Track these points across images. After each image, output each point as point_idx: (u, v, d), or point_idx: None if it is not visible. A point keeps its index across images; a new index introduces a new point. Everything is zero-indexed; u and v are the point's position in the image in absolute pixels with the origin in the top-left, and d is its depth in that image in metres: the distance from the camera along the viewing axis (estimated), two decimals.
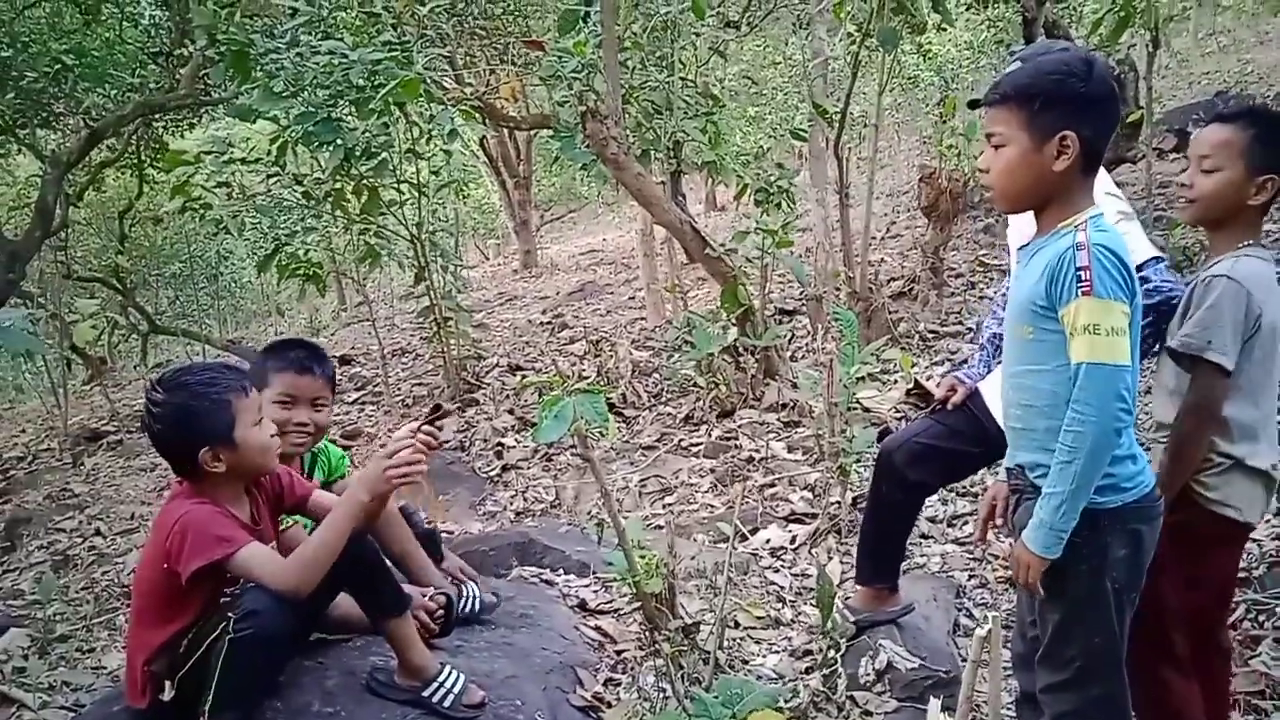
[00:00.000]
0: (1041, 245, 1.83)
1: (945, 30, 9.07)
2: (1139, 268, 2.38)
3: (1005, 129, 1.82)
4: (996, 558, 3.59)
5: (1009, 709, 2.25)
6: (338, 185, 5.80)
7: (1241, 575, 3.05)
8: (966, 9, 8.32)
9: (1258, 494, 2.11)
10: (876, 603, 2.90)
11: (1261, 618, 2.86)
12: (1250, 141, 2.06)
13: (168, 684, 2.14)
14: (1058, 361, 1.78)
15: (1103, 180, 2.24)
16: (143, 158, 9.99)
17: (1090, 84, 1.76)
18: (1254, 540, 3.15)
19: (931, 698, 2.04)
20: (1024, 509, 1.90)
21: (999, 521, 2.13)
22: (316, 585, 2.15)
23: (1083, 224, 1.77)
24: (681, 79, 6.13)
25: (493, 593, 3.00)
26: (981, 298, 6.58)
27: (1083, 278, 1.71)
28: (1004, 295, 2.85)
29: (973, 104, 2.00)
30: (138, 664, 2.20)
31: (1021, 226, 2.62)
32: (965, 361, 2.95)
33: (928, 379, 4.34)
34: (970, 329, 2.88)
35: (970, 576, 3.51)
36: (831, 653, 2.71)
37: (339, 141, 5.36)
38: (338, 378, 8.39)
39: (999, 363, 2.46)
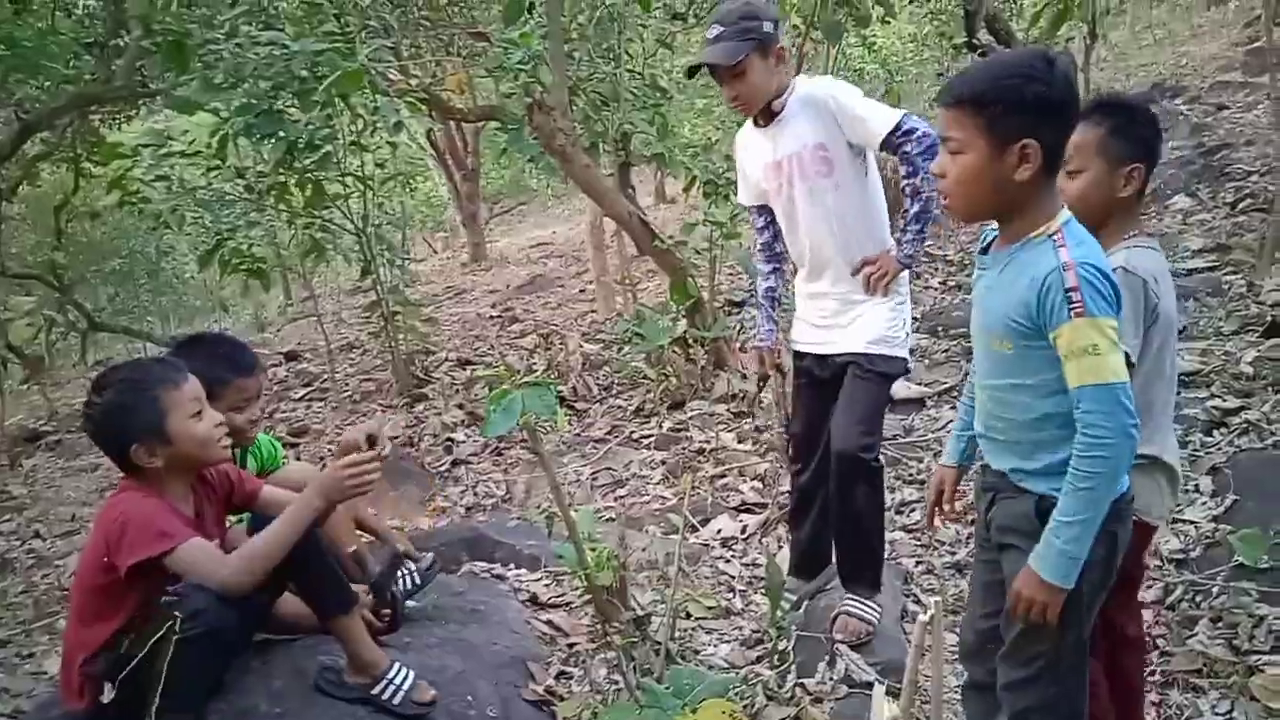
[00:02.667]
0: (1014, 255, 1.76)
1: (889, 23, 9.16)
2: (897, 130, 2.63)
3: (962, 134, 1.73)
4: (943, 544, 3.65)
5: (955, 693, 2.29)
6: (281, 179, 5.70)
7: (1178, 557, 3.13)
8: (910, 2, 8.40)
9: (1164, 490, 2.11)
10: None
11: (1199, 598, 2.94)
12: (1104, 137, 2.03)
13: (108, 685, 2.10)
14: (1042, 376, 1.75)
15: None
16: (79, 151, 9.72)
17: (1052, 87, 1.68)
18: (1190, 522, 3.24)
19: (876, 683, 2.06)
20: (1002, 508, 1.89)
21: (946, 508, 2.16)
22: (260, 583, 2.12)
23: (1058, 234, 1.71)
24: (629, 71, 6.12)
25: (429, 557, 2.96)
26: (926, 287, 6.67)
27: (1073, 299, 1.65)
28: (763, 246, 3.08)
29: (939, 102, 1.94)
30: (75, 664, 2.16)
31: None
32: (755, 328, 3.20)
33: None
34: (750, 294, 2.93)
35: (918, 563, 3.56)
36: (781, 642, 2.73)
37: (281, 134, 5.27)
38: (285, 374, 8.29)
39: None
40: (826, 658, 2.79)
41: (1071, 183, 2.05)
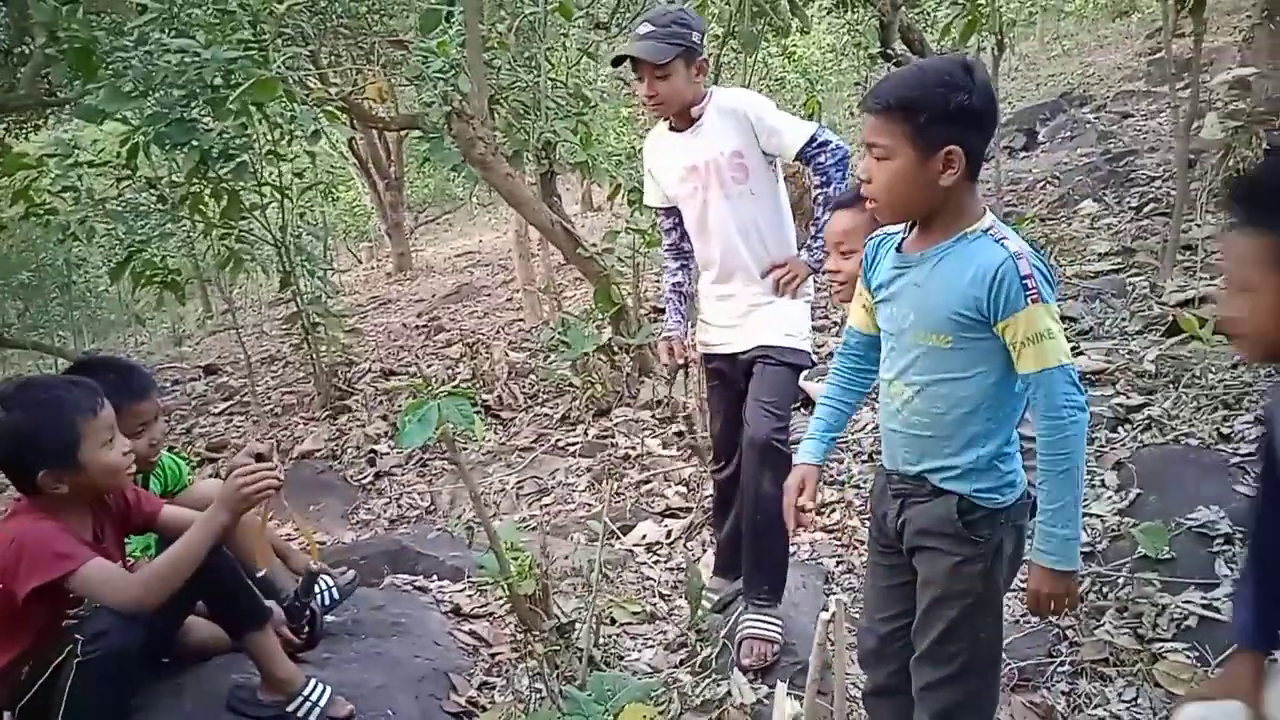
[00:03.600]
0: (949, 251, 1.78)
1: (808, 34, 9.32)
2: (812, 142, 2.78)
3: (889, 141, 1.76)
4: (863, 543, 3.71)
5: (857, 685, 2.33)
6: (194, 189, 5.57)
7: (1085, 550, 3.23)
8: (827, 13, 8.57)
9: None
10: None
11: (1105, 589, 3.03)
12: (871, 221, 2.07)
13: (7, 715, 2.04)
14: (979, 369, 1.78)
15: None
16: None
17: (974, 95, 1.72)
18: (1096, 515, 3.35)
19: (779, 681, 2.09)
20: (917, 511, 1.89)
21: (807, 504, 2.07)
22: (167, 601, 2.07)
23: (992, 229, 1.77)
24: (551, 79, 6.12)
25: (348, 573, 2.93)
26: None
27: (1029, 286, 1.70)
28: (670, 246, 3.15)
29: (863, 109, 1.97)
30: None
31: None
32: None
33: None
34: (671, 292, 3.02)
35: (838, 563, 3.62)
36: (700, 645, 2.75)
37: (194, 143, 5.15)
38: (204, 388, 8.09)
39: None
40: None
41: (847, 263, 2.25)
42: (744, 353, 2.96)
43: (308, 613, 2.64)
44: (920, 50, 7.10)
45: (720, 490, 3.24)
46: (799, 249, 2.98)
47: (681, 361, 3.16)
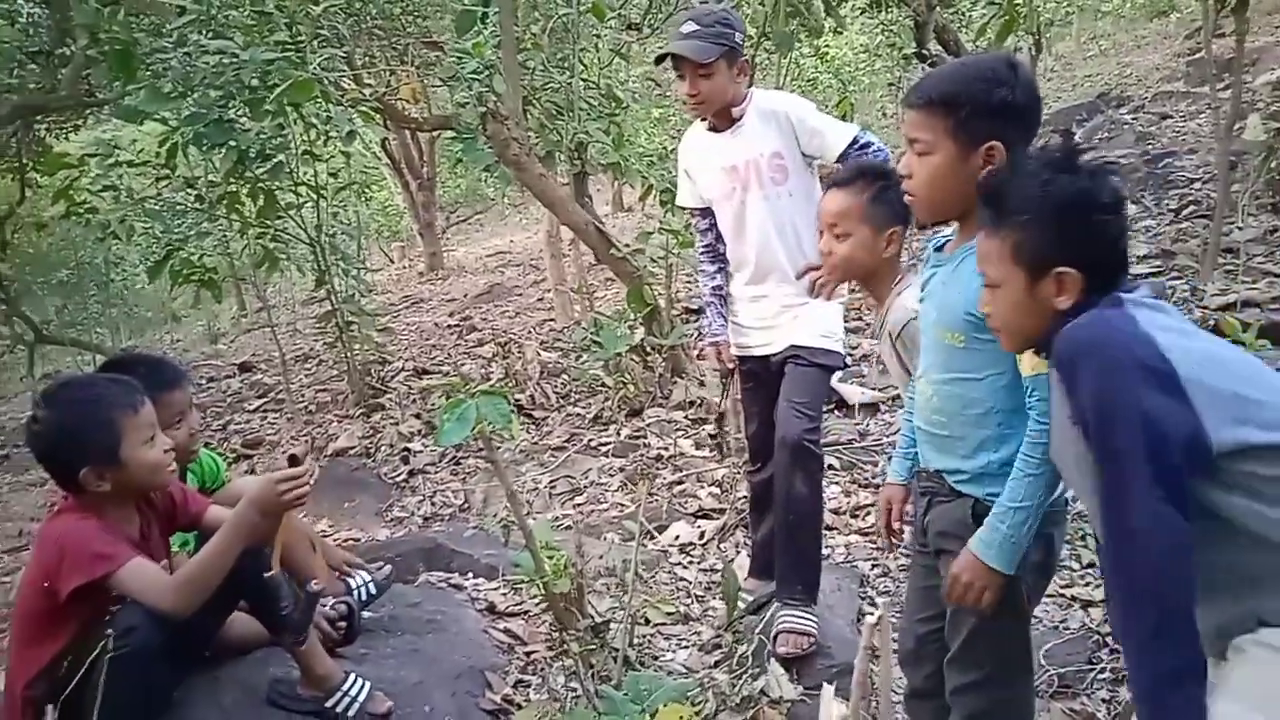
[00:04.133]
0: (969, 251, 1.77)
1: (841, 34, 9.27)
2: (854, 143, 2.77)
3: (929, 136, 1.76)
4: (898, 545, 3.68)
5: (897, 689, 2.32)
6: (232, 188, 5.63)
7: None
8: (861, 13, 8.53)
9: None
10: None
11: None
12: (866, 204, 2.19)
13: (49, 709, 2.06)
14: (991, 370, 1.78)
15: None
16: (24, 161, 9.53)
17: (1017, 91, 1.72)
18: None
19: (825, 683, 2.08)
20: (939, 512, 1.90)
21: (896, 525, 2.15)
22: (209, 601, 2.09)
23: None
24: (584, 80, 6.13)
25: (385, 568, 2.93)
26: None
27: None
28: (707, 247, 3.14)
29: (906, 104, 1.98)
30: (18, 689, 2.11)
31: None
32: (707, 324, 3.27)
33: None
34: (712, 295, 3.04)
35: (874, 566, 3.60)
36: (737, 645, 2.74)
37: (232, 143, 5.20)
38: (240, 385, 8.18)
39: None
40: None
41: (840, 245, 2.23)
42: (776, 354, 2.97)
43: (345, 605, 2.65)
44: (955, 51, 7.04)
45: (755, 492, 3.24)
46: None
47: (732, 365, 3.16)
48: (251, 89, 5.02)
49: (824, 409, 2.96)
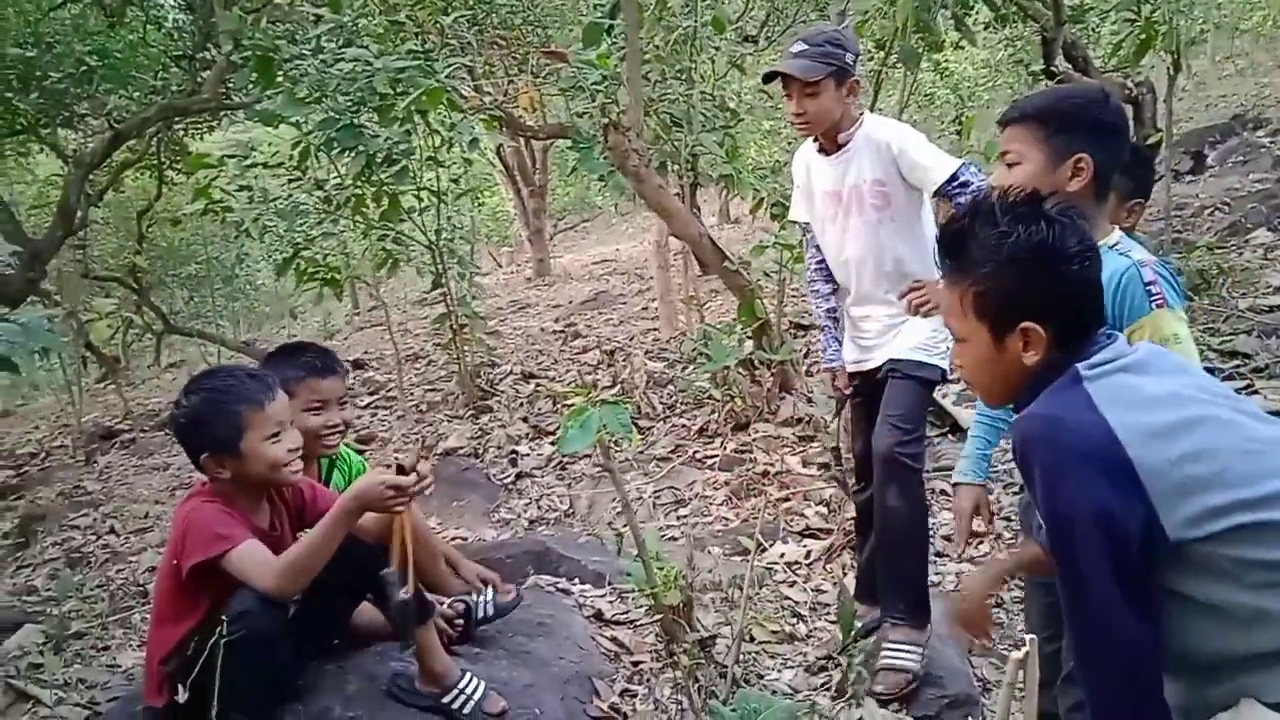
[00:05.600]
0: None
1: (963, 49, 9.09)
2: (953, 179, 2.69)
3: (1021, 147, 1.84)
4: (1012, 578, 3.58)
5: None
6: (358, 191, 5.83)
7: None
8: (985, 28, 8.34)
9: None
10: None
11: None
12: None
13: (180, 686, 2.15)
14: None
15: None
16: (163, 159, 10.05)
17: (1106, 112, 1.80)
18: None
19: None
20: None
21: (980, 526, 2.17)
22: (334, 589, 2.15)
23: (1119, 245, 1.80)
24: (701, 93, 6.15)
25: (512, 591, 2.93)
26: None
27: (1153, 292, 1.73)
28: (819, 265, 3.10)
29: (1001, 122, 2.02)
30: (155, 663, 2.22)
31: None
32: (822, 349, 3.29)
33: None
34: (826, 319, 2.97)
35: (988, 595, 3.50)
36: (854, 671, 2.71)
37: (361, 148, 5.39)
38: (352, 382, 8.44)
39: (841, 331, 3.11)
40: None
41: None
42: (876, 370, 2.97)
43: (463, 604, 2.70)
44: (1084, 68, 6.82)
45: (860, 512, 3.20)
46: None
47: (848, 391, 3.14)
48: (382, 96, 5.19)
49: (924, 422, 2.89)
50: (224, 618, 2.04)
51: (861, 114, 2.90)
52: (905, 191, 2.83)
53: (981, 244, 1.48)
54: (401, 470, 2.19)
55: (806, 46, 2.79)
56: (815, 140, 2.95)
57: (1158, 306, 1.73)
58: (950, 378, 3.05)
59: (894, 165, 2.79)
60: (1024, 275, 1.45)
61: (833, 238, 2.98)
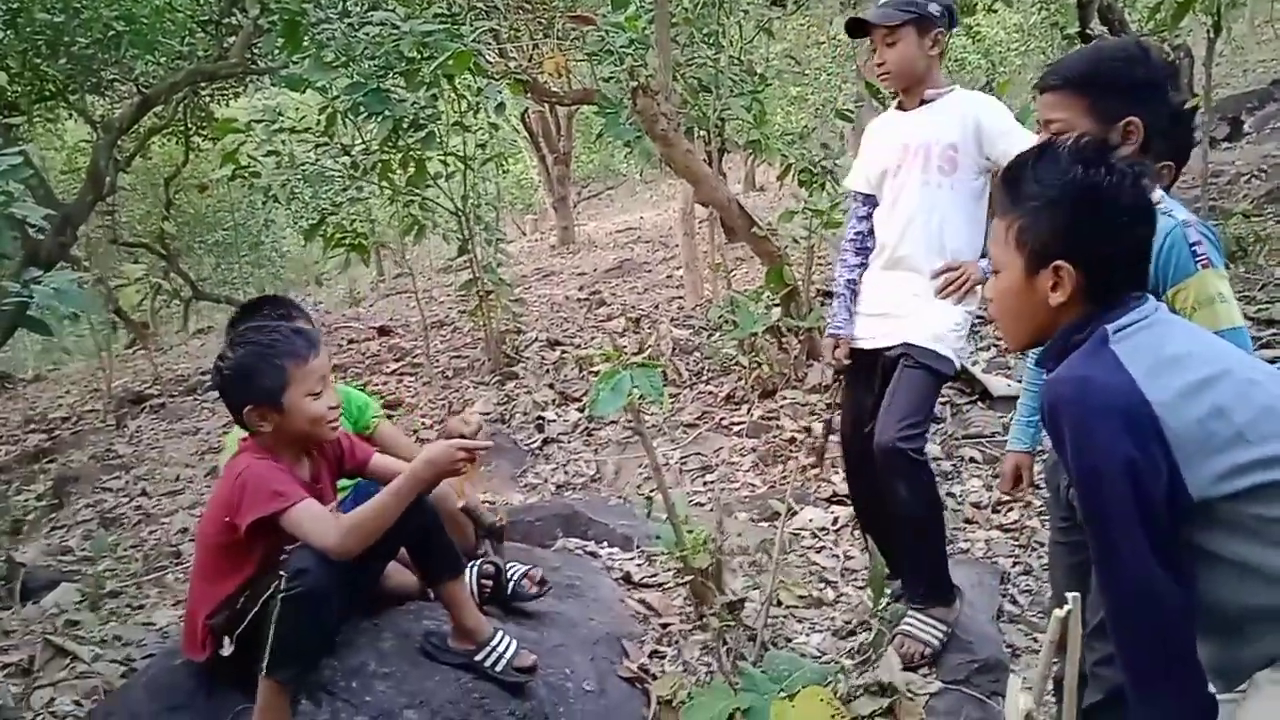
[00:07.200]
0: None
1: (994, 11, 8.95)
2: None
3: (1066, 115, 1.79)
4: (1040, 544, 3.57)
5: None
6: (385, 156, 5.82)
7: None
8: None
9: None
10: None
11: None
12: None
13: (226, 639, 2.18)
14: None
15: None
16: (189, 125, 10.08)
17: (1148, 69, 1.76)
18: None
19: (1011, 674, 2.05)
20: None
21: (1025, 489, 2.23)
22: (375, 546, 2.18)
23: (1160, 204, 1.74)
24: (730, 57, 6.09)
25: (537, 578, 2.88)
26: None
27: (1198, 253, 1.72)
28: (856, 236, 3.05)
29: (1040, 88, 1.95)
30: (199, 617, 2.24)
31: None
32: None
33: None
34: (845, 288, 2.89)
35: (1015, 563, 3.50)
36: (883, 634, 2.71)
37: (388, 113, 5.37)
38: (378, 348, 8.49)
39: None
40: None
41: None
42: (888, 348, 2.84)
43: (493, 566, 2.72)
44: (1120, 31, 6.70)
45: (856, 506, 3.19)
46: (983, 257, 2.84)
47: (847, 361, 3.06)
48: (409, 60, 5.16)
49: (930, 415, 2.82)
50: (281, 574, 2.07)
51: (955, 85, 2.84)
52: (975, 166, 2.75)
53: (1039, 178, 1.48)
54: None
55: None
56: (896, 98, 2.88)
57: (1203, 267, 1.71)
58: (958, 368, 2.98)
59: (974, 137, 2.71)
60: (1070, 213, 1.45)
61: (890, 191, 2.88)
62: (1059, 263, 1.45)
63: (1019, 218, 1.50)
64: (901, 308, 2.84)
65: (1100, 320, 1.44)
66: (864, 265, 3.06)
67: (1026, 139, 2.62)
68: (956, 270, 2.75)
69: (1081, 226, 1.45)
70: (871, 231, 3.01)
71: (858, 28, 2.84)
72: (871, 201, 3.00)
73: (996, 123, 2.71)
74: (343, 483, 2.62)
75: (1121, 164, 1.46)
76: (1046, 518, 3.38)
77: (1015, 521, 3.73)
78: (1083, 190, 1.44)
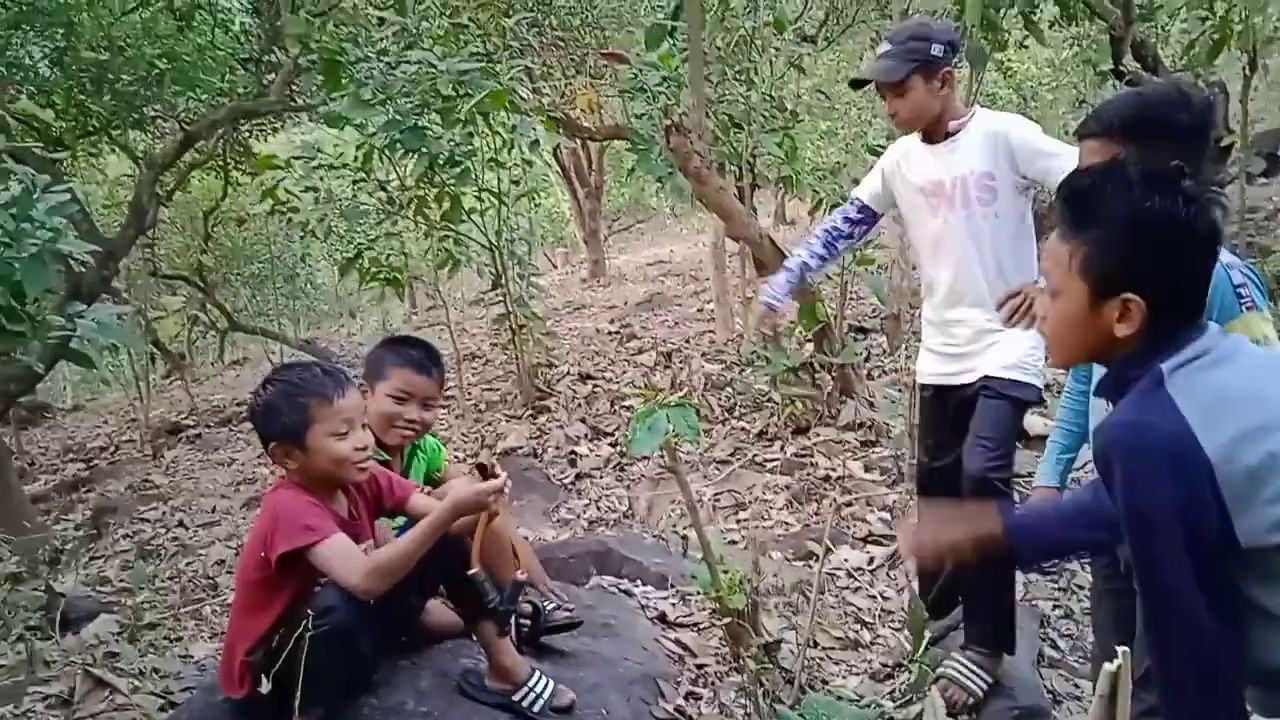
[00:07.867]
0: None
1: (1026, 48, 8.93)
2: None
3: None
4: (1081, 588, 3.52)
5: None
6: (421, 192, 5.89)
7: None
8: (1050, 26, 8.20)
9: None
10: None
11: None
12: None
13: (263, 677, 2.18)
14: None
15: None
16: (229, 160, 10.26)
17: (1189, 114, 1.76)
18: None
19: None
20: None
21: None
22: (412, 586, 2.18)
23: None
24: (761, 94, 6.13)
25: (576, 617, 2.87)
26: None
27: (1243, 295, 1.71)
28: (831, 229, 3.08)
29: (1081, 134, 1.95)
30: (238, 653, 2.24)
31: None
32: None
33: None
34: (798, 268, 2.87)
35: (1055, 606, 3.45)
36: (924, 677, 2.68)
37: (424, 149, 5.45)
38: None
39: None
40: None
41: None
42: (966, 385, 2.85)
43: (531, 605, 2.72)
44: (1154, 68, 6.67)
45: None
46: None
47: (772, 332, 3.07)
48: (445, 98, 5.24)
49: (1015, 444, 2.82)
50: (309, 612, 2.07)
51: (975, 107, 2.83)
52: (1013, 189, 2.74)
53: (1110, 203, 1.43)
54: (483, 470, 2.24)
55: (890, 46, 2.75)
56: (919, 132, 2.88)
57: (1248, 309, 1.71)
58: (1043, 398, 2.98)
59: (1008, 158, 2.69)
60: (1145, 245, 1.40)
61: (928, 231, 2.89)
62: (1129, 296, 1.41)
63: (1084, 245, 1.45)
64: (975, 342, 2.85)
65: (1159, 354, 1.41)
66: (825, 259, 3.11)
67: (1066, 155, 2.59)
68: (1018, 296, 2.75)
69: (1156, 259, 1.40)
70: (849, 235, 3.07)
71: (863, 84, 2.87)
72: (868, 212, 3.04)
73: (1027, 140, 2.69)
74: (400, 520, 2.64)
75: (1193, 189, 1.41)
76: (1086, 560, 3.35)
77: (1054, 564, 3.67)
78: (1159, 221, 1.39)
